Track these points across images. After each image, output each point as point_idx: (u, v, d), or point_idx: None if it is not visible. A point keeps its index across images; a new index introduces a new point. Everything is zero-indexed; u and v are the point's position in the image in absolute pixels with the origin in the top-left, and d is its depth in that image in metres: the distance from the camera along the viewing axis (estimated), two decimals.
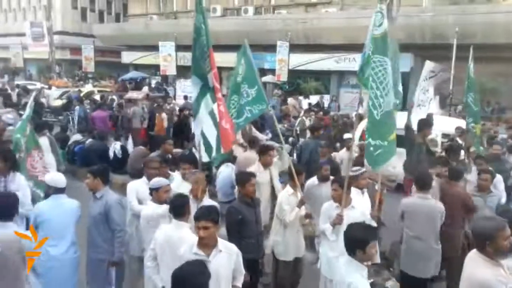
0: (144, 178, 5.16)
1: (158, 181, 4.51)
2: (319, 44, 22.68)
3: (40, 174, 5.34)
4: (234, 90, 5.40)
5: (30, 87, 20.10)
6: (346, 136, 8.63)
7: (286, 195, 5.03)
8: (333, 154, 7.92)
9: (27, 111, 5.88)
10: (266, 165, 5.75)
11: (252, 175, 4.72)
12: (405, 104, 9.07)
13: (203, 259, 3.24)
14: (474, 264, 3.09)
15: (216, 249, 3.38)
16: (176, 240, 3.70)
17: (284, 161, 5.97)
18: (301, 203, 4.92)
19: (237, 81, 5.32)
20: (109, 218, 4.39)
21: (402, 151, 6.81)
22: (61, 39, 34.15)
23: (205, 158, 5.40)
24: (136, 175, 7.64)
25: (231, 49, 26.22)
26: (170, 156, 7.15)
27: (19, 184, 4.82)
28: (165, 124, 12.16)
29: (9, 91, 17.14)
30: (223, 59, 27.15)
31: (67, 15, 37.15)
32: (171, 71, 24.69)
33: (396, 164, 6.55)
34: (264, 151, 5.83)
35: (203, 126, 5.15)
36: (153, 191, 4.45)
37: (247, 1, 27.86)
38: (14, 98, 16.10)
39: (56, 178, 4.56)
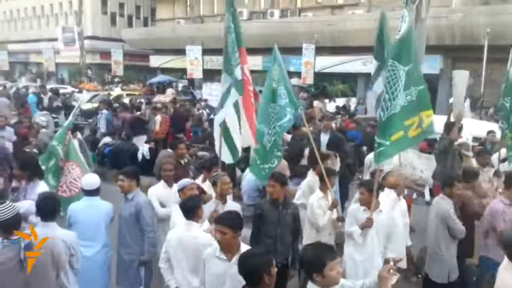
0: (162, 182, 5.26)
1: (182, 182, 4.68)
2: (346, 46, 22.50)
3: (61, 189, 5.25)
4: (271, 98, 5.20)
5: (61, 90, 20.75)
6: None
7: (316, 199, 4.98)
8: (367, 158, 7.92)
9: (69, 120, 5.86)
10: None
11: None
12: (434, 107, 8.88)
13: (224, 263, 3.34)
14: (507, 273, 3.01)
15: (238, 254, 3.35)
16: (189, 240, 3.80)
17: (336, 166, 5.93)
18: (333, 206, 4.87)
19: (273, 88, 5.18)
20: (140, 218, 4.45)
21: (431, 155, 6.70)
22: (91, 44, 35.08)
23: (228, 160, 5.35)
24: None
25: (256, 53, 26.43)
26: (187, 159, 7.17)
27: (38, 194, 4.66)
28: (157, 126, 12.15)
29: (42, 95, 17.66)
30: (249, 62, 27.40)
31: (97, 20, 38.13)
32: (198, 74, 25.00)
33: (424, 168, 6.46)
34: (321, 160, 5.58)
35: (228, 123, 5.05)
36: (180, 192, 4.59)
37: (273, 5, 27.91)
38: (46, 101, 16.60)
39: (90, 180, 4.64)
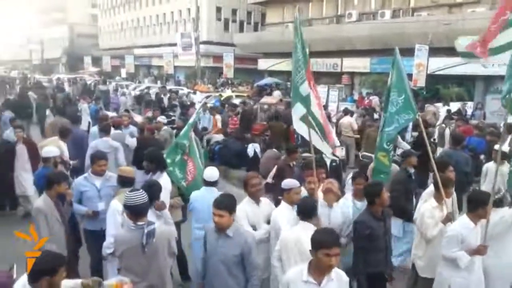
0: (248, 198, 4.71)
1: (289, 181, 4.64)
2: None
3: (187, 181, 5.72)
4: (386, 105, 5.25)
5: (179, 91, 22.55)
6: (497, 147, 7.92)
7: (430, 207, 4.71)
8: (485, 166, 7.43)
9: (193, 118, 6.29)
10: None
11: (383, 186, 4.48)
12: None
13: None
14: None
15: (329, 276, 3.11)
16: (305, 240, 3.72)
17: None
18: (447, 220, 4.56)
19: (388, 91, 5.23)
20: (249, 260, 3.77)
21: None
22: (206, 48, 37.26)
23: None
24: (267, 176, 8.09)
25: (364, 54, 25.85)
26: (293, 163, 7.13)
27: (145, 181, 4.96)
28: (219, 125, 12.66)
29: (161, 95, 19.34)
30: (356, 64, 26.92)
31: (211, 26, 40.37)
32: None
33: None
34: (442, 168, 5.37)
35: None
36: (284, 192, 4.57)
37: (384, 5, 26.98)
38: (165, 101, 18.17)
39: (210, 172, 5.06)
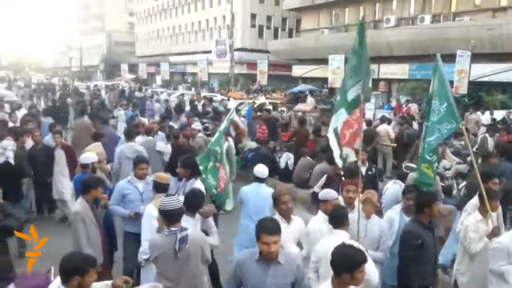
0: (277, 215, 4.41)
1: (327, 193, 4.59)
2: (509, 53, 20.05)
3: (219, 188, 5.77)
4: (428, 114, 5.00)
5: (214, 98, 22.69)
6: None
7: (474, 221, 4.50)
8: None
9: (224, 125, 6.33)
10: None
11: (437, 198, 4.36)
12: None
13: None
14: None
15: None
16: None
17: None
18: (492, 235, 4.33)
19: (429, 98, 5.01)
20: (300, 287, 3.50)
21: None
22: (240, 55, 37.58)
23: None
24: (302, 185, 7.92)
25: (403, 60, 25.23)
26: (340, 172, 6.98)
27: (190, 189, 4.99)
28: (243, 126, 12.34)
29: (196, 102, 19.47)
30: (393, 70, 26.32)
31: (246, 33, 40.69)
32: (339, 83, 24.82)
33: None
34: (486, 179, 5.14)
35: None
36: (321, 202, 4.56)
37: (424, 10, 26.31)
38: (199, 108, 18.27)
39: (261, 169, 5.46)
